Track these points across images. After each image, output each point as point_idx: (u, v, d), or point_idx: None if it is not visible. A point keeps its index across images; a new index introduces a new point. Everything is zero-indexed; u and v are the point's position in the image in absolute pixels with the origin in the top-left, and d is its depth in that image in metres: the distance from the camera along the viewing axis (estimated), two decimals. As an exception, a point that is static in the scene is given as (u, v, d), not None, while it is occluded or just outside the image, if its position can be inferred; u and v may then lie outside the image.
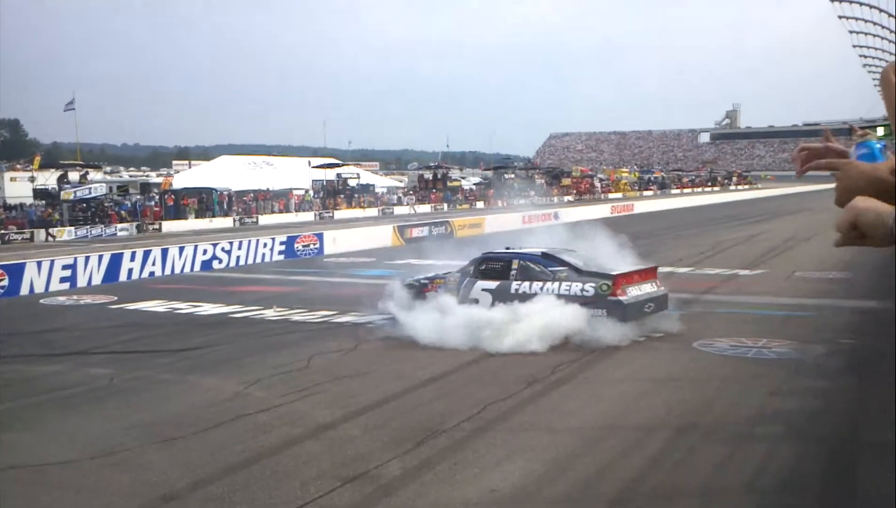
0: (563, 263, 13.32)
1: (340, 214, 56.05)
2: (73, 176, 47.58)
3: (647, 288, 13.11)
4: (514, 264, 13.57)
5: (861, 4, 35.09)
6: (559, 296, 12.74)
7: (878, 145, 1.56)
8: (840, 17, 36.71)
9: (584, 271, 12.97)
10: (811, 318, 14.64)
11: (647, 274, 13.43)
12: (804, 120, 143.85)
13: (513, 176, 79.05)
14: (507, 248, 14.46)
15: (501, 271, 13.64)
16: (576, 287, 12.75)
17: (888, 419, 8.22)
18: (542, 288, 13.02)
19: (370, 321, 14.77)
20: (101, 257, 23.42)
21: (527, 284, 13.23)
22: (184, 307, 17.86)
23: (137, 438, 8.67)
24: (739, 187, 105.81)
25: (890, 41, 34.81)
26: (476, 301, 13.49)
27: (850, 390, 9.98)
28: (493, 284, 13.57)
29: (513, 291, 13.27)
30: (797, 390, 10.14)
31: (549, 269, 13.23)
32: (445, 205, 63.63)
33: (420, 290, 14.22)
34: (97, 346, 14.02)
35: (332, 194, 59.83)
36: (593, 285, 12.65)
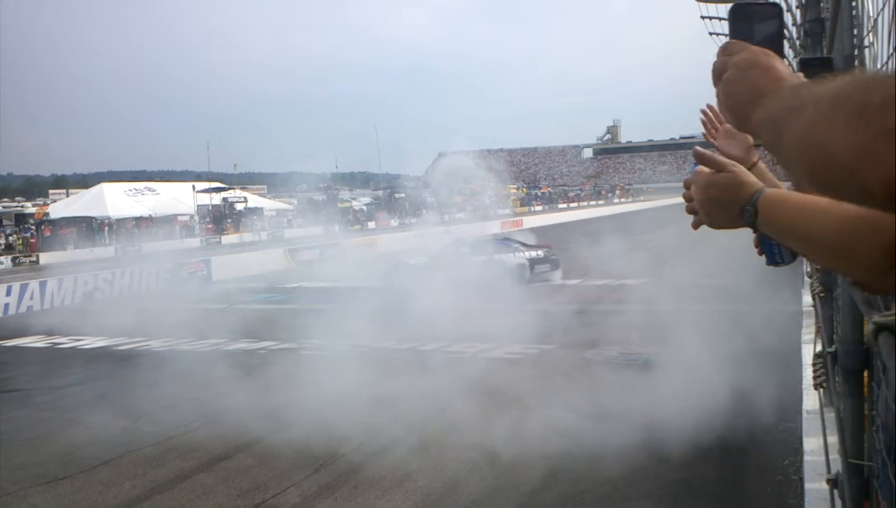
0: (517, 242, 24.33)
1: (228, 239, 54.94)
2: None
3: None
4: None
5: (723, 2, 36.94)
6: (522, 255, 23.18)
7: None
8: (711, 33, 38.52)
9: (530, 245, 23.98)
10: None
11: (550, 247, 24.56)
12: (681, 133, 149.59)
13: (404, 195, 79.18)
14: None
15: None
16: (530, 253, 23.40)
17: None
18: (513, 253, 23.24)
19: (262, 348, 14.54)
20: (-27, 292, 22.27)
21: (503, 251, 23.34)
22: (65, 342, 17.16)
23: (19, 481, 8.29)
24: (622, 200, 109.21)
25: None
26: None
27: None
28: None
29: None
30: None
31: (513, 245, 23.92)
32: (336, 226, 63.20)
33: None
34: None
35: (219, 220, 58.60)
36: (541, 252, 23.64)
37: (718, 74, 1.33)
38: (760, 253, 1.65)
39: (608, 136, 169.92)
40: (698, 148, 1.55)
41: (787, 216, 1.33)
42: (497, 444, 8.58)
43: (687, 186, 1.58)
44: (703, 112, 2.06)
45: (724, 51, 1.35)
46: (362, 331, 14.77)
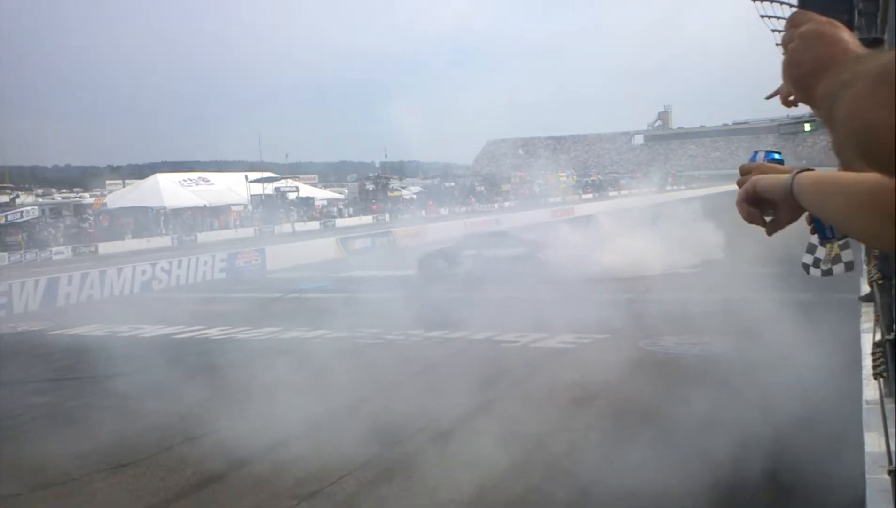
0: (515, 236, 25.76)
1: (281, 228, 55.54)
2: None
3: None
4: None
5: (781, 3, 36.16)
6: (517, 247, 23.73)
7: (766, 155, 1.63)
8: (762, 16, 37.76)
9: (525, 240, 24.72)
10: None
11: None
12: (734, 119, 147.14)
13: (453, 184, 79.28)
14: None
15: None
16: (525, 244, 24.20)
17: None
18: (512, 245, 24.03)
19: (317, 337, 14.70)
20: (37, 281, 22.84)
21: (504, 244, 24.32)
22: (124, 331, 17.52)
23: (83, 467, 8.48)
24: (674, 188, 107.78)
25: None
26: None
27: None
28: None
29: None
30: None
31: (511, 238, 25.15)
32: (387, 215, 63.51)
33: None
34: (36, 374, 13.66)
35: (272, 208, 59.25)
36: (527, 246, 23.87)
37: (785, 46, 1.31)
38: (813, 231, 1.63)
39: (659, 122, 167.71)
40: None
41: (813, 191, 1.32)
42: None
43: (743, 172, 1.56)
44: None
45: (791, 21, 1.32)
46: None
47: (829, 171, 1.41)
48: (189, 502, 7.32)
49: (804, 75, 1.24)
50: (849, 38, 1.23)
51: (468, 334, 14.65)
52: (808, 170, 1.39)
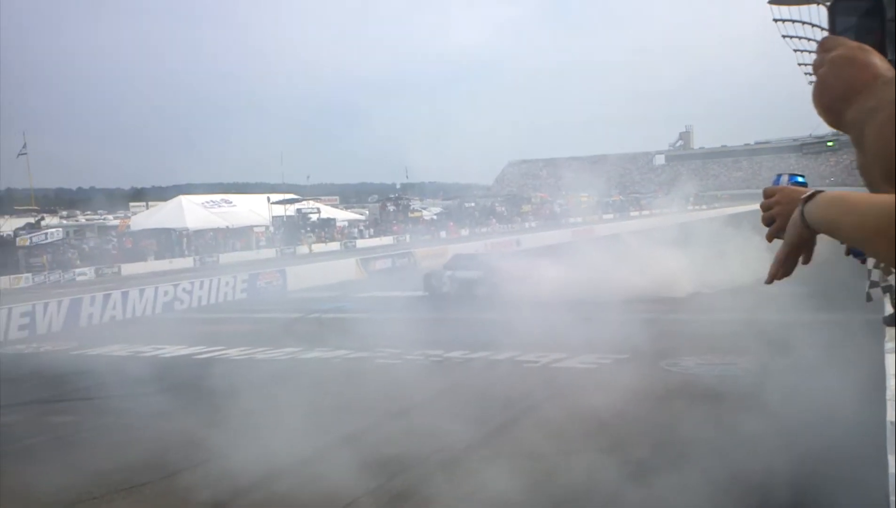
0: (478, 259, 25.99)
1: (302, 249, 55.77)
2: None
3: None
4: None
5: (803, 24, 36.06)
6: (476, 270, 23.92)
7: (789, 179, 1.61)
8: (784, 36, 37.68)
9: (485, 263, 24.72)
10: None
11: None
12: (756, 139, 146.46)
13: (473, 204, 79.36)
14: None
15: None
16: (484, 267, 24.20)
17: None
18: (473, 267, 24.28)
19: (336, 357, 14.71)
20: (60, 302, 23.05)
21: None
22: (146, 350, 17.61)
23: (103, 486, 8.51)
24: (697, 207, 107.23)
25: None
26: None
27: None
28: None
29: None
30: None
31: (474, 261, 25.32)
32: (408, 236, 63.62)
33: None
34: (58, 394, 13.75)
35: (293, 231, 59.55)
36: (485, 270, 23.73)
37: (816, 71, 1.30)
38: (847, 252, 1.61)
39: (680, 142, 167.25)
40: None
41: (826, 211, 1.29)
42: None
43: (767, 195, 1.54)
44: None
45: (822, 47, 1.31)
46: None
47: (840, 190, 1.39)
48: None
49: (835, 100, 1.23)
50: (879, 62, 1.23)
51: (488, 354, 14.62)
52: (812, 196, 1.37)
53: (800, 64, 42.60)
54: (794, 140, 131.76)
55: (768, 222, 1.53)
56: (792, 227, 1.41)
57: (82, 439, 10.63)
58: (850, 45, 1.27)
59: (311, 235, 59.91)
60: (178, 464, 9.05)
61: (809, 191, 1.38)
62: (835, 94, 1.24)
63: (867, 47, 1.25)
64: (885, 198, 1.09)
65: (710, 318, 16.48)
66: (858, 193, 1.20)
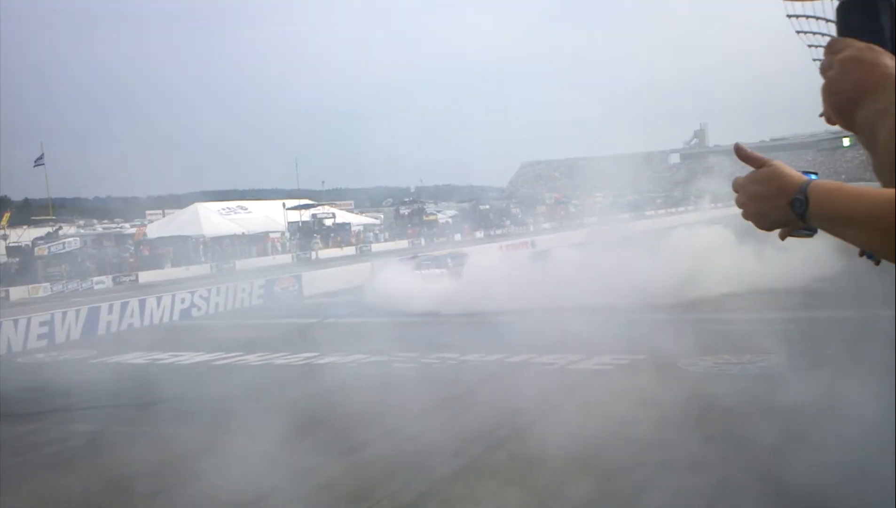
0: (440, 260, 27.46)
1: (318, 254, 55.92)
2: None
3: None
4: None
5: (817, 19, 35.86)
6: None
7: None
8: (798, 32, 37.48)
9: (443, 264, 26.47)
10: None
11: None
12: (771, 135, 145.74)
13: (488, 207, 79.35)
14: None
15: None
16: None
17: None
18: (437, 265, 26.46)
19: (352, 361, 14.75)
20: (78, 311, 23.20)
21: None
22: (165, 358, 17.69)
23: (121, 494, 8.55)
24: (715, 205, 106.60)
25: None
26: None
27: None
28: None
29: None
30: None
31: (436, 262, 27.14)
32: (423, 240, 63.69)
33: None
34: (77, 402, 13.82)
35: (309, 235, 59.70)
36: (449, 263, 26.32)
37: (824, 73, 1.29)
38: (861, 253, 1.58)
39: (695, 140, 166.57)
40: (739, 144, 1.45)
41: (843, 204, 1.21)
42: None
43: (736, 189, 1.49)
44: None
45: (830, 48, 1.30)
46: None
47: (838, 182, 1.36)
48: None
49: (844, 102, 1.22)
50: (888, 62, 1.21)
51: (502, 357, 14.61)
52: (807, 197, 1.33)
53: (814, 60, 42.44)
54: (811, 136, 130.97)
55: (754, 215, 1.45)
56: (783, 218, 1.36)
57: (100, 447, 10.67)
58: (857, 46, 1.25)
59: (319, 242, 59.86)
60: (197, 469, 9.06)
61: (796, 190, 1.32)
62: (844, 96, 1.23)
63: (876, 48, 1.24)
64: (884, 193, 1.07)
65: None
66: (857, 192, 1.17)
